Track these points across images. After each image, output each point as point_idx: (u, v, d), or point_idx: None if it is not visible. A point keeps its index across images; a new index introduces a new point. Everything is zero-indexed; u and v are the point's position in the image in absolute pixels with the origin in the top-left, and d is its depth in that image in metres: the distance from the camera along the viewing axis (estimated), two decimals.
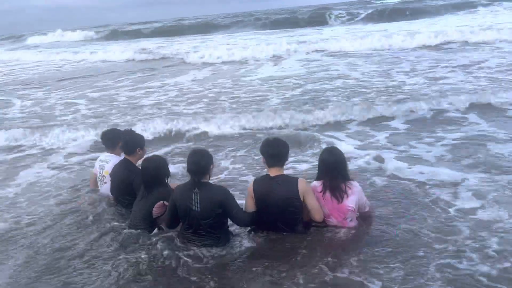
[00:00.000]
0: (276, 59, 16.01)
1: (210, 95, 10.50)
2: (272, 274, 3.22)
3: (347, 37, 19.56)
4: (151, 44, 25.54)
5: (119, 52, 20.94)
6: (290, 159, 4.43)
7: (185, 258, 3.44)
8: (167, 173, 3.96)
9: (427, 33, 17.63)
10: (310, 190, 3.66)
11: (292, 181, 3.63)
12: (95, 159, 5.14)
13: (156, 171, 3.86)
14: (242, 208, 3.72)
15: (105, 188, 4.58)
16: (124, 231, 3.89)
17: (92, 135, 7.29)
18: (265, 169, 3.79)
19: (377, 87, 9.78)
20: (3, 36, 51.72)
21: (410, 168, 5.24)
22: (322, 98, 9.19)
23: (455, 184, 4.65)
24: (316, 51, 16.90)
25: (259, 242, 3.63)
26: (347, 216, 3.68)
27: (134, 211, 3.93)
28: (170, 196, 3.70)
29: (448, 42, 16.25)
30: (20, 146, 7.28)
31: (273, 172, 3.67)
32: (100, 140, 5.12)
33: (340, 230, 3.68)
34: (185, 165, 3.76)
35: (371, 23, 30.22)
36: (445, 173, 4.95)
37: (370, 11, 35.18)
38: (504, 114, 7.31)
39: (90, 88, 12.76)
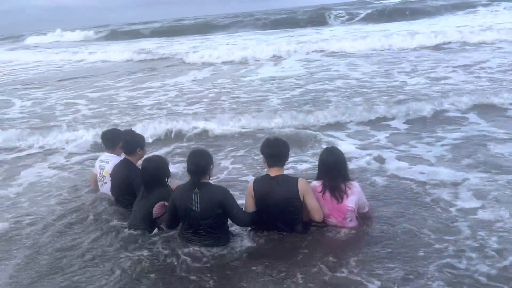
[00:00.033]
0: (276, 59, 16.01)
1: (210, 95, 10.50)
2: (272, 274, 3.22)
3: (347, 37, 19.58)
4: (151, 44, 25.57)
5: (119, 52, 20.96)
6: (290, 159, 4.44)
7: (185, 258, 3.44)
8: (168, 174, 3.96)
9: (427, 33, 17.62)
10: (310, 190, 3.66)
11: (292, 181, 3.63)
12: (95, 159, 5.15)
13: (156, 171, 3.86)
14: (242, 208, 3.72)
15: (106, 188, 4.59)
16: (125, 230, 3.90)
17: (93, 135, 7.29)
18: (265, 169, 3.79)
19: (378, 87, 9.77)
20: (2, 36, 51.77)
21: (410, 168, 5.24)
22: (323, 98, 9.17)
23: (456, 184, 4.66)
24: (316, 51, 16.88)
25: (259, 242, 3.63)
26: (347, 216, 3.68)
27: (134, 211, 3.93)
28: (170, 196, 3.70)
29: (448, 42, 16.24)
30: (21, 146, 7.28)
31: (273, 172, 3.68)
32: (100, 140, 5.12)
33: (340, 230, 3.68)
34: (185, 165, 3.76)
35: (371, 23, 30.22)
36: (446, 173, 4.95)
37: (370, 11, 35.18)
38: (504, 113, 7.31)
39: (90, 88, 12.77)
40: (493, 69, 10.97)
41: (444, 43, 16.18)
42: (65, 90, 12.74)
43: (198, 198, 3.48)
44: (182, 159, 5.86)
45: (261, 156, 3.78)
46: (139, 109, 9.54)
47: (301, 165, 5.62)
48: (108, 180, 4.52)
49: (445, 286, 3.00)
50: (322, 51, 16.78)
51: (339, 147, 4.14)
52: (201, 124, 7.50)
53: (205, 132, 7.32)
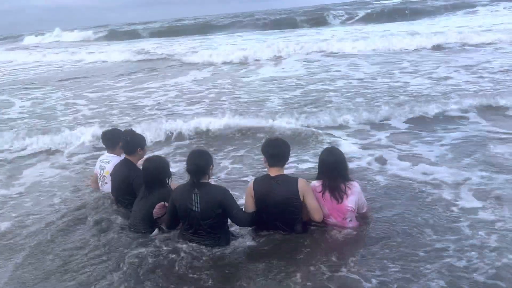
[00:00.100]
0: (277, 59, 16.00)
1: (210, 95, 10.50)
2: (272, 274, 3.22)
3: (347, 37, 19.58)
4: (150, 44, 25.56)
5: (119, 52, 20.94)
6: (291, 158, 4.43)
7: (185, 257, 3.44)
8: (168, 174, 3.96)
9: (427, 33, 17.63)
10: (310, 190, 3.66)
11: (292, 181, 3.63)
12: (97, 158, 5.15)
13: (157, 171, 3.86)
14: (242, 208, 3.72)
15: (106, 188, 4.60)
16: (125, 230, 3.89)
17: (93, 136, 7.29)
18: (266, 169, 3.79)
19: (380, 88, 9.77)
20: (2, 36, 51.77)
21: (411, 167, 5.24)
22: (324, 99, 9.16)
23: (456, 184, 4.65)
24: (316, 51, 16.88)
25: (259, 242, 3.63)
26: (347, 216, 3.68)
27: (134, 211, 3.93)
28: (170, 196, 3.70)
29: (449, 43, 16.23)
30: (22, 146, 7.28)
31: (274, 172, 3.68)
32: (100, 140, 5.13)
33: (339, 230, 3.68)
34: (185, 164, 3.76)
35: (371, 23, 30.23)
36: (446, 173, 4.95)
37: (369, 11, 35.19)
38: (504, 113, 7.31)
39: (90, 88, 12.77)
40: (494, 69, 10.95)
41: (444, 44, 16.16)
42: (65, 90, 12.74)
43: (198, 198, 3.48)
44: (183, 159, 5.86)
45: (262, 156, 3.78)
46: (139, 110, 9.54)
47: (302, 165, 5.61)
48: (108, 180, 4.52)
49: (445, 286, 3.00)
50: (322, 51, 16.78)
51: (340, 147, 4.15)
52: (201, 124, 7.50)
53: (205, 132, 7.33)
